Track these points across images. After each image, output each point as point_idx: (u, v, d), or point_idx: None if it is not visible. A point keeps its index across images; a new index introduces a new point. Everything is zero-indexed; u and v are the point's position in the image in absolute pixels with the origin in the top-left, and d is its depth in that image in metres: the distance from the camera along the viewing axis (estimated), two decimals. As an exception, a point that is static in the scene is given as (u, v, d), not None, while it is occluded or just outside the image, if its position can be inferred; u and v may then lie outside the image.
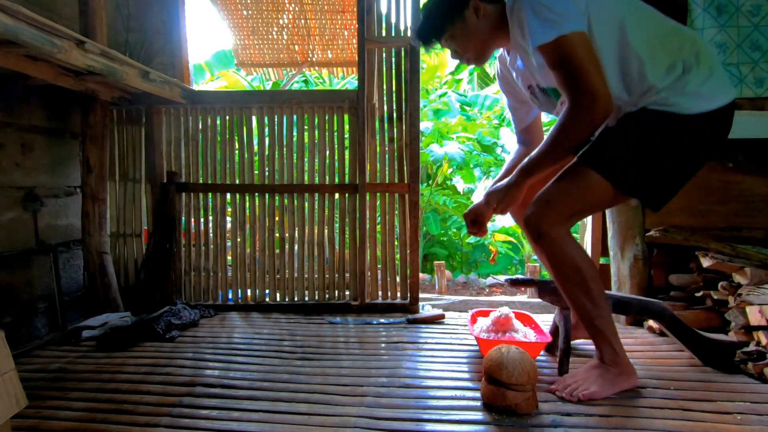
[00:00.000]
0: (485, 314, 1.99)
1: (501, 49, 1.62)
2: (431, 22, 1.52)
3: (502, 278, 1.89)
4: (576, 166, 1.43)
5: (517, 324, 1.85)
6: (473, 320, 1.97)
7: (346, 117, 2.54)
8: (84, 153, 2.27)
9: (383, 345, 1.96)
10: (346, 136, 2.57)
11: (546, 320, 2.29)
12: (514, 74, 1.61)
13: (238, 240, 2.57)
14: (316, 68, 3.84)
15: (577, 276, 1.42)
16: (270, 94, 2.82)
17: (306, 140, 2.56)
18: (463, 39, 1.51)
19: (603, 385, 1.43)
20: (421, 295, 2.61)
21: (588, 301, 1.42)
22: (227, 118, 2.57)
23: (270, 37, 3.33)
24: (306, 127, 2.57)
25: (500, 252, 6.33)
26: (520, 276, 1.83)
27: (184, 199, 2.57)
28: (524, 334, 1.81)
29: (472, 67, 7.54)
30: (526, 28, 1.32)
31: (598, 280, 1.44)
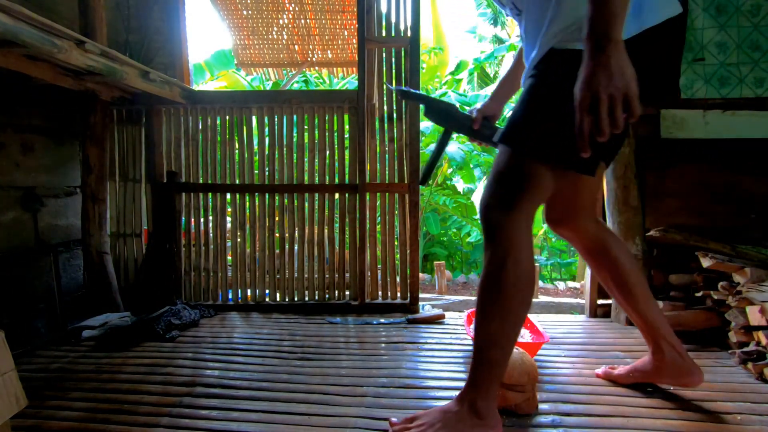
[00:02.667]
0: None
1: None
2: None
3: (392, 87, 1.72)
4: (515, 160, 1.15)
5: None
6: (469, 321, 1.97)
7: (346, 117, 2.54)
8: (84, 153, 2.27)
9: (383, 345, 1.96)
10: (346, 136, 2.57)
11: (544, 320, 2.30)
12: None
13: (238, 240, 2.57)
14: (316, 68, 3.84)
15: (508, 288, 1.14)
16: (270, 94, 2.83)
17: (306, 140, 2.56)
18: None
19: None
20: (421, 295, 2.61)
21: (500, 322, 1.14)
22: (227, 118, 2.57)
23: (270, 37, 3.34)
24: (306, 127, 2.57)
25: (500, 252, 6.31)
26: (411, 89, 1.69)
27: (184, 199, 2.57)
28: (521, 335, 1.81)
29: (472, 66, 7.56)
30: None
31: (526, 306, 1.17)
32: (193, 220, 2.59)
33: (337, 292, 2.55)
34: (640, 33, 1.06)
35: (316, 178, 2.56)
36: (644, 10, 1.07)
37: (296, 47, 3.37)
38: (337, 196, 2.57)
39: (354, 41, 3.19)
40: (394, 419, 1.25)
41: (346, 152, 2.54)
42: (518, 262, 1.13)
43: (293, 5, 3.16)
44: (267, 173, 2.61)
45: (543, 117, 1.12)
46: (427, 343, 1.97)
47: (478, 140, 1.54)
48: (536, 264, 4.48)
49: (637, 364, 1.49)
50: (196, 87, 4.05)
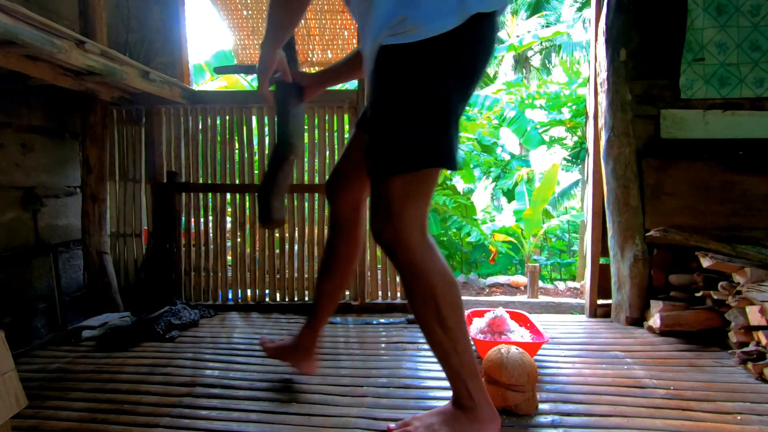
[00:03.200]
0: (480, 315, 1.99)
1: None
2: None
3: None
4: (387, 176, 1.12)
5: (512, 324, 1.85)
6: (469, 321, 1.97)
7: (346, 117, 2.54)
8: (84, 153, 2.27)
9: (383, 345, 1.96)
10: (346, 136, 2.56)
11: (544, 320, 2.30)
12: None
13: (238, 240, 2.57)
14: (316, 68, 3.83)
15: (429, 298, 1.14)
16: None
17: (306, 140, 2.56)
18: None
19: None
20: (421, 295, 2.61)
21: (441, 331, 1.15)
22: (227, 118, 2.57)
23: (270, 37, 3.33)
24: (306, 127, 2.57)
25: (500, 252, 6.33)
26: (229, 67, 1.62)
27: (184, 199, 2.56)
28: (520, 335, 1.81)
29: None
30: None
31: (456, 306, 1.17)
32: (193, 220, 2.59)
33: (337, 292, 2.54)
34: (464, 23, 1.04)
35: (316, 178, 2.55)
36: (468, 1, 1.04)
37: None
38: (337, 196, 2.56)
39: (354, 41, 3.18)
40: (392, 425, 1.26)
41: (346, 152, 2.54)
42: (427, 274, 1.12)
43: (293, 5, 3.15)
44: (267, 173, 2.61)
45: (390, 127, 1.10)
46: (426, 343, 1.97)
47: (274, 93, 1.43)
48: (536, 264, 4.49)
49: (292, 341, 1.57)
50: (196, 87, 4.06)
